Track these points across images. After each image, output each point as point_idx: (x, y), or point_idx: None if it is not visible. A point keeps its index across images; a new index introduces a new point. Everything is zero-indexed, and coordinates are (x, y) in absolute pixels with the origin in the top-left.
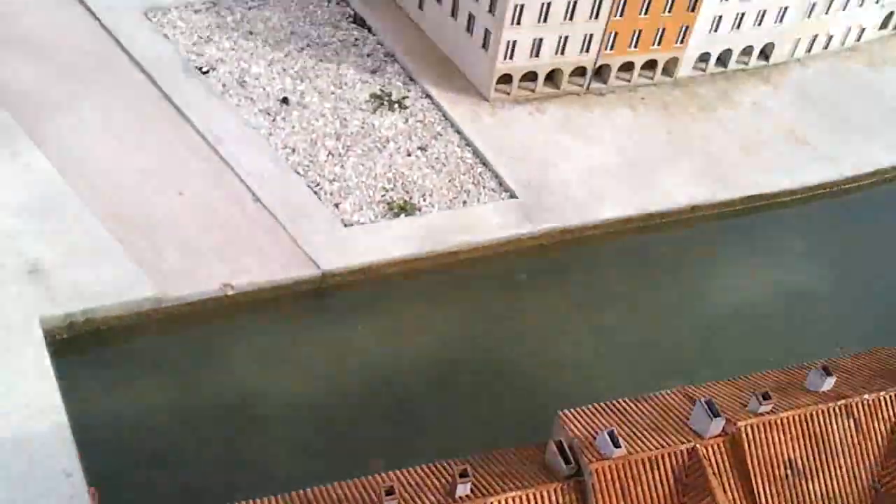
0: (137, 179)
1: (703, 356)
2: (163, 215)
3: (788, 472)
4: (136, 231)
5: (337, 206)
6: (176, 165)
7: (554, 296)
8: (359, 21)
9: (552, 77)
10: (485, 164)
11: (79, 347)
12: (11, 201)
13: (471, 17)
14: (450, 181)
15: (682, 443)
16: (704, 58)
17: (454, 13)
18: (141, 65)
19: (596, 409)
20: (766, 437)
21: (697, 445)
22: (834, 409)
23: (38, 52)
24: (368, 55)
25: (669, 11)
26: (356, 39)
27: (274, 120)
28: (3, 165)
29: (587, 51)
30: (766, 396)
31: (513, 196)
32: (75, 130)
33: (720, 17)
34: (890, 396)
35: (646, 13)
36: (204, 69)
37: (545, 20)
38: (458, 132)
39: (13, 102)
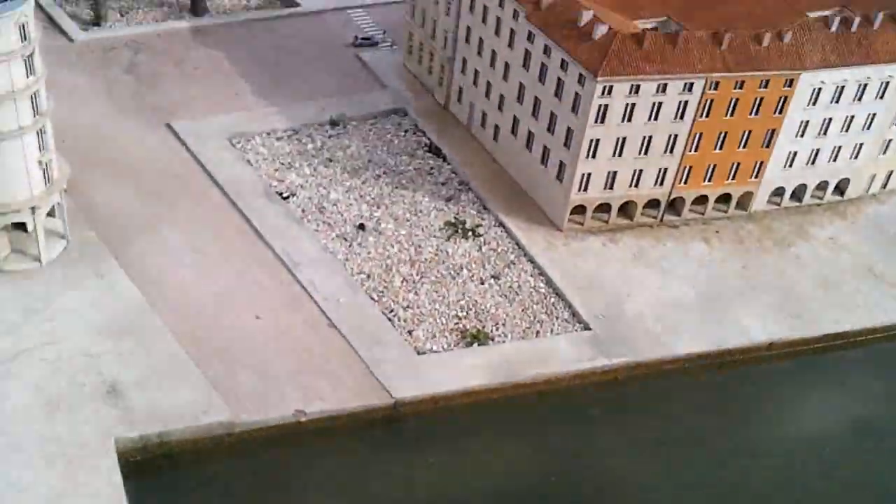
0: (216, 302)
1: (780, 497)
2: (239, 338)
3: None
4: (213, 353)
5: (410, 333)
6: (254, 288)
7: (627, 432)
8: (434, 150)
9: (625, 208)
10: (558, 294)
11: (151, 470)
12: (94, 321)
13: (546, 150)
14: (523, 311)
15: None
16: (779, 192)
17: (529, 145)
18: (224, 189)
19: None
20: None
21: None
22: None
23: (127, 174)
24: (443, 184)
25: (744, 147)
26: (431, 168)
27: (350, 245)
28: (88, 285)
29: (661, 184)
30: None
31: (586, 328)
32: (159, 252)
33: (795, 152)
34: None
35: (720, 148)
36: (284, 195)
37: (620, 154)
38: (532, 261)
39: (101, 222)
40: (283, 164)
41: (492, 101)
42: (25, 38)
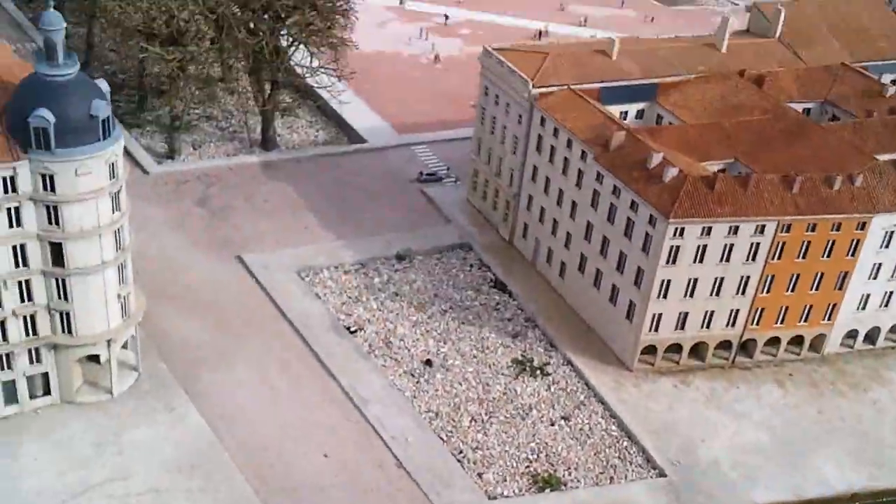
0: (284, 438)
1: None
2: (307, 477)
3: None
4: (280, 492)
5: (480, 476)
6: (322, 425)
7: None
8: (499, 286)
9: (697, 349)
10: (630, 437)
11: None
12: (164, 456)
13: (615, 289)
14: (595, 454)
15: None
16: (852, 334)
17: (597, 283)
18: (292, 322)
19: None
20: None
21: None
22: None
23: (198, 305)
24: (509, 320)
25: (817, 289)
26: (497, 304)
27: (418, 382)
28: (158, 419)
29: (733, 325)
30: None
31: (661, 474)
32: (228, 385)
33: (868, 295)
34: None
35: (792, 290)
36: (352, 329)
37: (691, 295)
38: (602, 402)
39: (172, 354)
40: (350, 297)
41: (558, 239)
42: (114, 176)
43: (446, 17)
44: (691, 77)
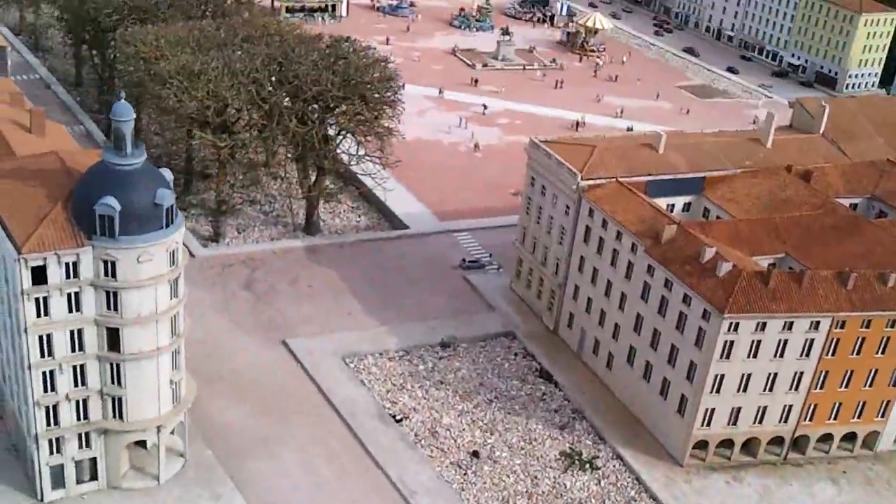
0: None
1: None
2: None
3: None
4: None
5: None
6: None
7: None
8: (545, 375)
9: (749, 445)
10: None
11: None
12: None
13: (665, 382)
14: None
15: None
16: None
17: (647, 376)
18: (338, 409)
19: None
20: None
21: None
22: None
23: (243, 390)
24: (556, 410)
25: (870, 385)
26: (543, 394)
27: (465, 474)
28: None
29: (786, 421)
30: None
31: None
32: (273, 473)
33: None
34: None
35: (846, 387)
36: (398, 417)
37: (745, 390)
38: (654, 498)
39: (218, 440)
40: (395, 385)
41: (605, 329)
42: (174, 263)
43: (485, 106)
44: (738, 171)
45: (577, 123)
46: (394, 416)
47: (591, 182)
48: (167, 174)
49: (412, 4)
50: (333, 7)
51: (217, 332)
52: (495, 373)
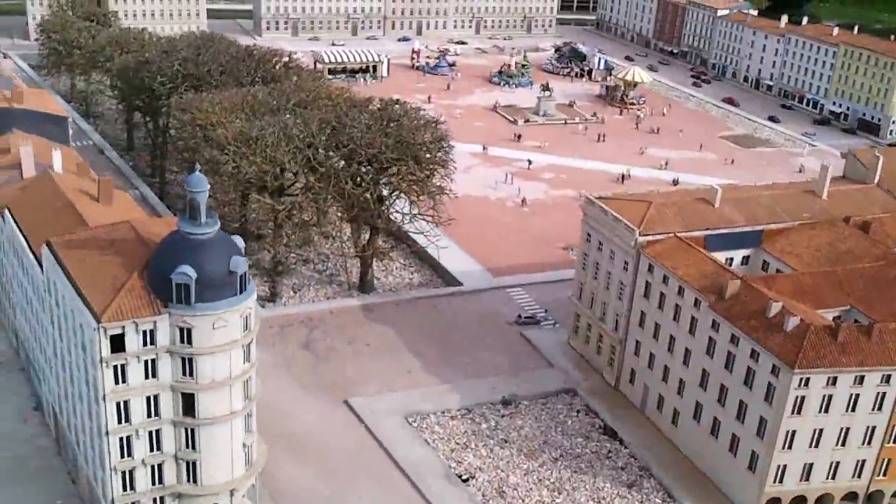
0: None
1: None
2: None
3: None
4: None
5: None
6: None
7: None
8: (609, 432)
9: (821, 501)
10: None
11: None
12: None
13: (735, 439)
14: None
15: None
16: None
17: (714, 433)
18: (403, 469)
19: None
20: None
21: None
22: None
23: (306, 450)
24: (623, 468)
25: None
26: (609, 452)
27: None
28: None
29: (859, 476)
30: None
31: None
32: None
33: None
34: None
35: None
36: (463, 477)
37: (817, 445)
38: None
39: (283, 501)
40: (458, 444)
41: (669, 385)
42: (247, 328)
43: (529, 161)
44: (796, 224)
45: (623, 176)
46: (460, 477)
47: (649, 237)
48: (239, 241)
49: (452, 64)
50: (374, 68)
51: (279, 392)
52: (559, 430)
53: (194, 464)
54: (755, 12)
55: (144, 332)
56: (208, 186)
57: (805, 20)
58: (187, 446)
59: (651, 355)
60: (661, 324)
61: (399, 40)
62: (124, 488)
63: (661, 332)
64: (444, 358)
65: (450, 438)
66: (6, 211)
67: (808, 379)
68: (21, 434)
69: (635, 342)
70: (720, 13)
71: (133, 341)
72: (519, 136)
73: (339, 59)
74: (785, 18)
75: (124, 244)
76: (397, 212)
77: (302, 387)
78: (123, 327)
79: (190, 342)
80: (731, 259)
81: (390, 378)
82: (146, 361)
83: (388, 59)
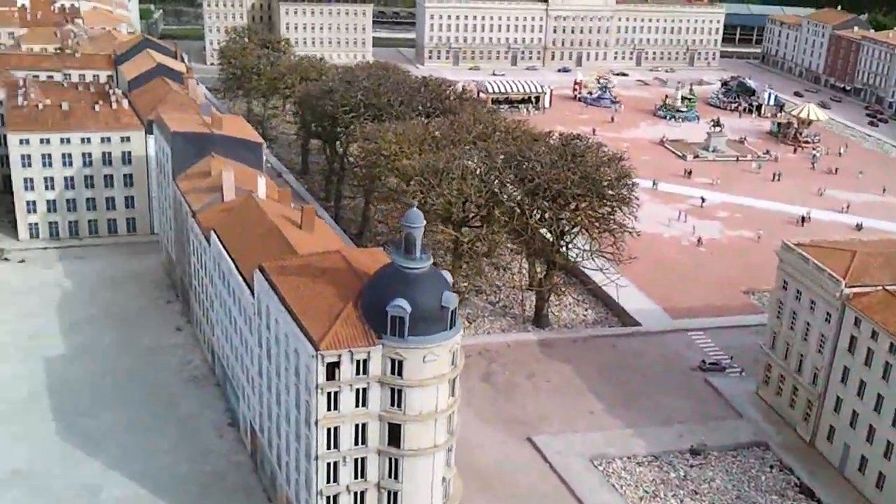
0: None
1: None
2: None
3: None
4: None
5: None
6: None
7: None
8: (806, 491)
9: None
10: None
11: None
12: None
13: None
14: None
15: None
16: None
17: None
18: None
19: None
20: None
21: None
22: None
23: (495, 488)
24: None
25: None
26: None
27: None
28: None
29: None
30: None
31: None
32: None
33: None
34: None
35: None
36: None
37: None
38: None
39: None
40: (647, 492)
41: (875, 447)
42: (454, 363)
43: (703, 199)
44: None
45: (803, 218)
46: None
47: (855, 289)
48: (448, 277)
49: (615, 99)
50: (538, 99)
51: (463, 424)
52: (751, 485)
53: (396, 494)
54: None
55: (358, 362)
56: (424, 222)
57: None
58: (390, 476)
59: (854, 413)
60: (867, 381)
61: (559, 71)
62: None
63: (866, 390)
64: (626, 401)
65: (638, 486)
66: (213, 233)
67: None
68: (217, 449)
69: (836, 398)
70: None
71: (347, 370)
72: (689, 172)
73: (503, 90)
74: None
75: (336, 273)
76: (576, 247)
77: (483, 420)
78: (339, 356)
79: (400, 374)
80: None
81: (572, 417)
82: (357, 390)
83: (551, 90)
